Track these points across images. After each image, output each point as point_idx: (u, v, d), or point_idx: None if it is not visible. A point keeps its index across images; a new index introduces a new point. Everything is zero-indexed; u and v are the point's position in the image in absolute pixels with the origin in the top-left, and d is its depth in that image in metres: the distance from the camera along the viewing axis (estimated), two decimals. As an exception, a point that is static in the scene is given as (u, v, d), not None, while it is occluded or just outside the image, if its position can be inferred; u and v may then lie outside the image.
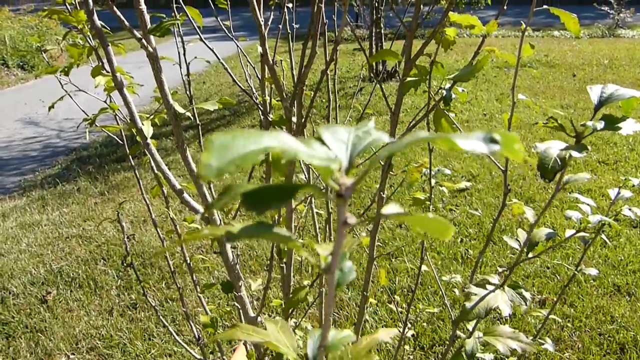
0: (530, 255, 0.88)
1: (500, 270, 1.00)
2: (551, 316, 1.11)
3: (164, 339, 2.39)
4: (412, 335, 2.25)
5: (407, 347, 2.18)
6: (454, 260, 2.84)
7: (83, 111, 1.26)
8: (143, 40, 0.72)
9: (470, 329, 0.90)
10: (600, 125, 0.67)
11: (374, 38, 6.94)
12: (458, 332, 1.04)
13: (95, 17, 0.73)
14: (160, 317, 1.57)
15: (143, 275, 2.91)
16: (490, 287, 0.81)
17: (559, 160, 0.63)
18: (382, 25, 7.03)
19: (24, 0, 20.33)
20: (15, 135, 5.88)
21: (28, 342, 2.43)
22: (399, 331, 1.38)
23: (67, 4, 0.90)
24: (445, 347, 2.20)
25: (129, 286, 2.82)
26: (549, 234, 0.87)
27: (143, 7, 0.72)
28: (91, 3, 0.70)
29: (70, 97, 1.11)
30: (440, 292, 1.42)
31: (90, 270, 2.99)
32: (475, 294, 0.80)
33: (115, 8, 0.69)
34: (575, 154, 0.63)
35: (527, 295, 0.81)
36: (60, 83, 1.08)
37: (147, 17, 0.73)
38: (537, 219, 0.83)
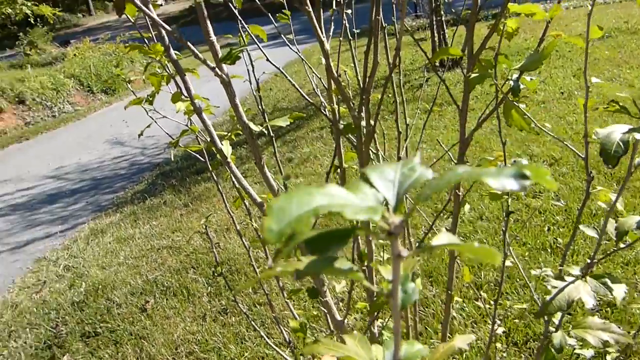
0: (622, 245, 0.84)
1: (593, 262, 0.96)
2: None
3: (255, 342, 2.49)
4: (504, 332, 2.19)
5: (498, 344, 2.12)
6: (542, 251, 2.73)
7: (167, 133, 1.36)
8: (216, 69, 0.77)
9: (557, 323, 0.88)
10: None
11: (435, 27, 6.77)
12: (550, 328, 1.01)
13: (172, 50, 0.79)
14: (251, 321, 1.65)
15: (231, 281, 3.04)
16: (571, 279, 0.78)
17: (622, 145, 0.61)
18: (442, 12, 6.84)
19: (101, 30, 21.82)
20: (105, 156, 6.34)
21: (134, 348, 2.62)
22: (488, 328, 1.35)
23: (145, 39, 0.98)
24: (538, 343, 2.12)
25: (219, 292, 2.96)
26: (639, 222, 0.83)
27: (213, 38, 0.77)
28: (167, 38, 0.76)
29: (157, 123, 1.20)
30: (529, 285, 1.38)
31: (182, 279, 3.17)
32: (556, 286, 0.77)
33: (189, 44, 0.74)
34: (639, 136, 0.60)
35: (622, 288, 0.77)
36: (145, 110, 1.17)
37: (218, 47, 0.78)
38: (615, 201, 0.79)
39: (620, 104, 0.64)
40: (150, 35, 1.05)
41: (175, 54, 0.93)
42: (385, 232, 0.27)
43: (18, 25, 16.66)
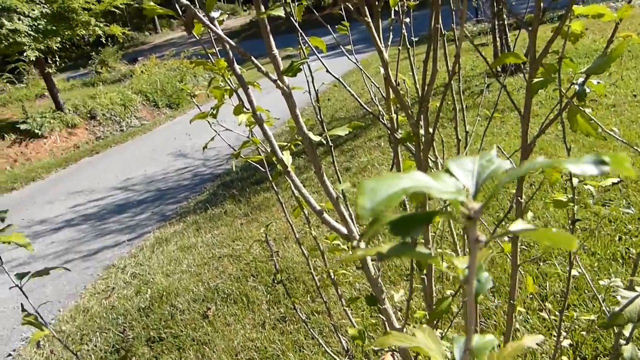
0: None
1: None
2: None
3: (313, 350, 2.50)
4: (570, 345, 2.09)
5: (564, 357, 2.03)
6: (613, 261, 2.59)
7: (229, 145, 1.41)
8: (278, 81, 0.80)
9: (628, 335, 0.83)
10: None
11: (497, 31, 6.61)
12: (621, 341, 0.96)
13: (236, 65, 0.83)
14: (310, 329, 1.67)
15: (289, 289, 3.08)
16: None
17: None
18: (504, 17, 6.68)
19: (166, 47, 22.83)
20: (169, 168, 6.61)
21: (196, 354, 2.71)
22: (553, 340, 1.30)
23: (208, 54, 1.03)
24: (608, 358, 2.01)
25: (278, 300, 3.01)
26: None
27: (275, 51, 0.80)
28: (231, 53, 0.80)
29: (221, 136, 1.25)
30: (598, 296, 1.32)
31: (242, 287, 3.24)
32: (626, 297, 0.74)
33: (253, 58, 0.77)
34: None
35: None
36: (209, 122, 1.22)
37: (280, 60, 0.80)
38: None
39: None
40: (214, 50, 1.10)
41: (239, 68, 0.97)
42: (465, 217, 0.28)
43: (91, 45, 17.77)
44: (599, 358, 2.04)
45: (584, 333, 2.14)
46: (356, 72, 9.28)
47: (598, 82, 0.78)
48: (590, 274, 2.47)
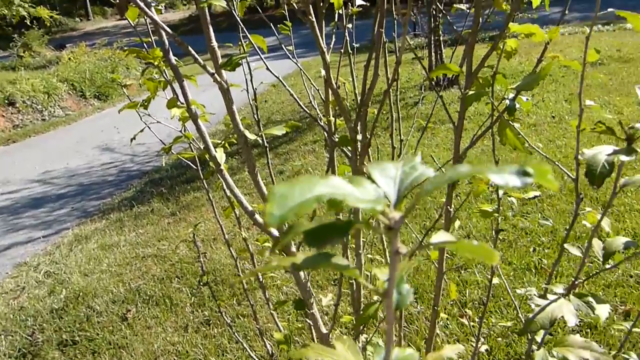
0: (607, 265, 0.84)
1: (576, 281, 0.96)
2: (636, 329, 1.06)
3: (237, 354, 2.46)
4: (486, 350, 2.19)
5: (481, 362, 2.12)
6: (527, 271, 2.74)
7: (160, 140, 1.35)
8: (216, 75, 0.77)
9: (540, 341, 0.88)
10: None
11: (432, 46, 6.86)
12: (533, 346, 1.01)
13: (171, 55, 0.79)
14: (234, 333, 1.63)
15: (215, 292, 3.01)
16: (554, 297, 0.79)
17: (607, 165, 0.62)
18: (440, 33, 6.94)
19: (98, 35, 21.82)
20: (94, 162, 6.29)
21: (112, 358, 2.58)
22: (471, 346, 1.35)
23: (144, 43, 0.98)
24: (522, 362, 2.12)
25: (202, 303, 2.93)
26: (627, 242, 0.84)
27: (214, 43, 0.77)
28: (167, 43, 0.76)
29: (150, 129, 1.20)
30: (514, 304, 1.38)
31: (165, 288, 3.13)
32: (539, 305, 0.78)
33: (190, 48, 0.74)
34: (623, 157, 0.61)
35: (606, 309, 0.78)
36: (139, 115, 1.16)
37: (219, 53, 0.78)
38: (600, 221, 0.80)
39: (607, 125, 0.65)
40: (150, 40, 1.05)
41: (175, 60, 0.93)
42: (385, 227, 0.27)
43: (13, 27, 16.59)
44: (511, 363, 2.14)
45: (499, 339, 2.25)
46: (295, 75, 9.30)
47: (527, 99, 0.82)
48: (507, 282, 2.60)
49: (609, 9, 0.84)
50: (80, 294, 3.22)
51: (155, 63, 0.93)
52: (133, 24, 0.84)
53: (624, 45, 8.17)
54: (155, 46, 0.95)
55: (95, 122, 8.74)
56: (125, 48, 0.99)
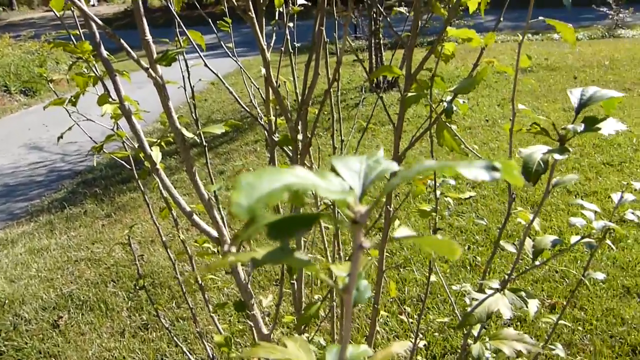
0: (537, 262, 0.89)
1: (507, 278, 1.00)
2: (561, 321, 1.12)
3: (177, 358, 2.39)
4: (424, 345, 2.25)
5: (419, 357, 2.17)
6: (462, 268, 2.84)
7: (91, 138, 1.29)
8: (150, 70, 0.74)
9: (476, 335, 0.91)
10: (580, 127, 0.68)
11: (373, 49, 6.98)
12: (469, 341, 1.04)
13: (102, 49, 0.75)
14: (173, 337, 1.58)
15: (153, 295, 2.92)
16: (490, 292, 0.82)
17: (542, 164, 0.65)
18: (380, 36, 7.07)
19: (24, 27, 20.61)
20: (21, 161, 5.93)
21: (41, 367, 2.44)
22: (410, 341, 1.38)
23: (72, 36, 0.93)
24: (456, 356, 2.20)
25: (140, 307, 2.83)
26: (554, 240, 0.88)
27: (149, 37, 0.74)
28: (97, 35, 0.72)
29: (79, 126, 1.14)
30: (450, 300, 1.43)
31: (100, 293, 3.00)
32: (477, 299, 0.80)
33: (122, 41, 0.71)
34: (557, 156, 0.64)
35: (535, 303, 0.82)
36: (67, 112, 1.10)
37: (153, 47, 0.75)
38: (532, 220, 0.84)
39: (542, 126, 0.69)
40: (79, 33, 1.00)
41: (107, 55, 0.89)
42: (351, 220, 0.26)
43: None
44: (447, 356, 2.21)
45: (436, 334, 2.31)
46: (236, 74, 9.18)
47: (463, 102, 0.85)
48: (443, 279, 2.68)
49: (540, 18, 0.88)
50: (7, 301, 3.02)
51: (85, 57, 0.88)
52: (59, 15, 0.79)
53: (551, 55, 8.66)
54: (84, 39, 0.90)
55: (21, 118, 8.24)
56: (51, 41, 0.93)
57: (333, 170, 0.29)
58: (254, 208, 0.23)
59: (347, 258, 1.08)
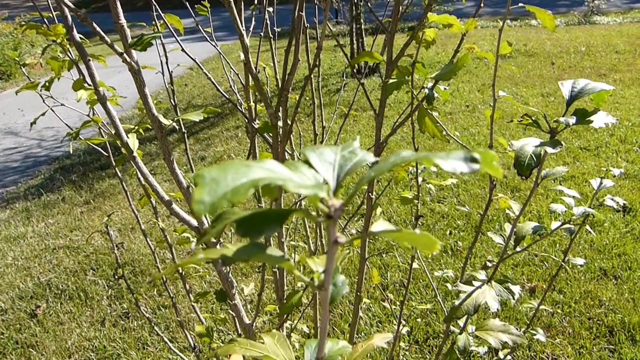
0: (518, 248, 0.89)
1: (489, 263, 1.01)
2: (542, 306, 1.13)
3: (159, 347, 2.38)
4: (407, 332, 2.27)
5: (402, 343, 2.19)
6: (444, 253, 2.87)
7: (66, 124, 1.25)
8: (125, 55, 0.72)
9: (462, 325, 0.91)
10: (572, 120, 0.68)
11: (354, 34, 6.93)
12: (452, 327, 1.05)
13: (75, 32, 0.72)
14: (154, 326, 1.57)
15: (134, 283, 2.89)
16: (477, 284, 0.82)
17: (534, 157, 0.64)
18: (362, 21, 7.03)
19: (-2, 9, 20.00)
20: (-4, 147, 5.79)
21: (19, 359, 2.40)
22: (393, 327, 1.39)
23: (44, 18, 0.89)
24: (439, 341, 2.22)
25: (120, 295, 2.80)
26: (535, 227, 0.89)
27: (123, 21, 0.71)
28: (70, 18, 0.70)
29: (53, 111, 1.10)
30: (432, 285, 1.44)
31: (79, 281, 2.96)
32: (464, 292, 0.81)
33: (95, 25, 0.68)
34: (549, 149, 0.64)
35: (517, 289, 0.82)
36: (41, 96, 1.07)
37: (128, 31, 0.72)
38: (520, 213, 0.84)
39: (533, 117, 0.68)
40: (52, 15, 0.96)
41: (82, 39, 0.86)
42: (325, 215, 0.25)
43: None
44: (429, 340, 2.24)
45: (418, 319, 2.34)
46: (216, 59, 9.06)
47: (445, 88, 0.84)
48: (425, 264, 2.70)
49: (520, 4, 0.88)
50: (-19, 290, 2.97)
51: (58, 40, 0.85)
52: (31, -3, 0.76)
53: (529, 41, 8.71)
54: (57, 22, 0.87)
55: (-4, 103, 8.03)
56: (24, 23, 0.89)
57: (306, 161, 0.28)
58: (217, 205, 0.21)
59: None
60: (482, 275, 0.85)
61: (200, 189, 0.21)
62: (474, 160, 0.25)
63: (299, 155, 1.33)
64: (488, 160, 0.25)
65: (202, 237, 0.26)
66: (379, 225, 0.29)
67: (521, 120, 0.67)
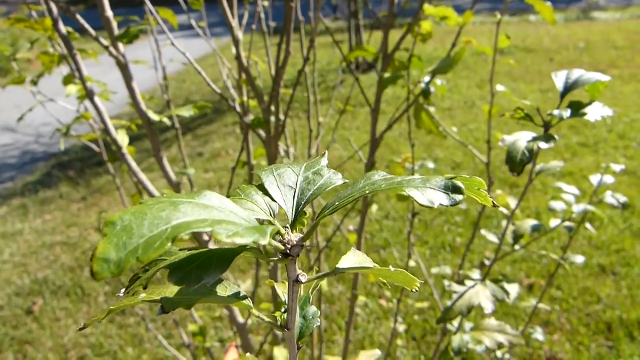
0: (517, 247, 0.88)
1: (487, 261, 1.00)
2: (540, 304, 1.12)
3: (155, 344, 2.37)
4: (405, 330, 2.26)
5: (399, 340, 2.18)
6: (442, 249, 2.86)
7: (58, 120, 1.23)
8: (111, 48, 0.70)
9: (457, 325, 0.90)
10: (566, 113, 0.66)
11: (352, 30, 6.90)
12: (448, 326, 1.04)
13: (61, 25, 0.70)
14: (148, 323, 1.56)
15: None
16: (471, 283, 0.81)
17: (527, 153, 0.62)
18: (360, 17, 7.00)
19: (-5, 4, 19.92)
20: (-8, 143, 5.77)
21: (15, 355, 2.39)
22: (387, 320, 1.38)
23: (32, 12, 0.87)
24: (436, 337, 2.21)
25: (117, 292, 2.79)
26: (533, 225, 0.87)
27: (109, 13, 0.70)
28: (55, 11, 0.68)
29: (44, 107, 1.08)
30: (429, 282, 1.43)
31: (76, 278, 2.94)
32: (458, 292, 0.79)
33: (78, 16, 0.66)
34: (543, 144, 0.62)
35: (514, 288, 0.81)
36: (32, 93, 1.05)
37: (115, 24, 0.70)
38: (514, 209, 0.82)
39: (525, 110, 0.66)
40: (42, 9, 0.94)
41: (70, 33, 0.84)
42: (281, 253, 0.22)
43: None
44: (426, 337, 2.23)
45: (416, 316, 2.33)
46: (212, 56, 9.01)
47: (442, 83, 0.82)
48: (423, 261, 2.69)
49: (518, -3, 0.86)
50: (-23, 287, 2.95)
51: (47, 35, 0.83)
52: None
53: (527, 36, 8.68)
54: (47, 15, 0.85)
55: (-7, 99, 7.99)
56: (9, 17, 0.88)
57: (262, 188, 0.24)
58: (125, 264, 0.17)
59: (319, 252, 1.06)
60: (476, 274, 0.84)
61: (107, 242, 0.17)
62: (456, 189, 0.21)
63: (295, 151, 1.32)
64: (474, 188, 0.22)
65: (132, 284, 0.23)
66: (349, 259, 0.26)
67: (513, 114, 0.65)
